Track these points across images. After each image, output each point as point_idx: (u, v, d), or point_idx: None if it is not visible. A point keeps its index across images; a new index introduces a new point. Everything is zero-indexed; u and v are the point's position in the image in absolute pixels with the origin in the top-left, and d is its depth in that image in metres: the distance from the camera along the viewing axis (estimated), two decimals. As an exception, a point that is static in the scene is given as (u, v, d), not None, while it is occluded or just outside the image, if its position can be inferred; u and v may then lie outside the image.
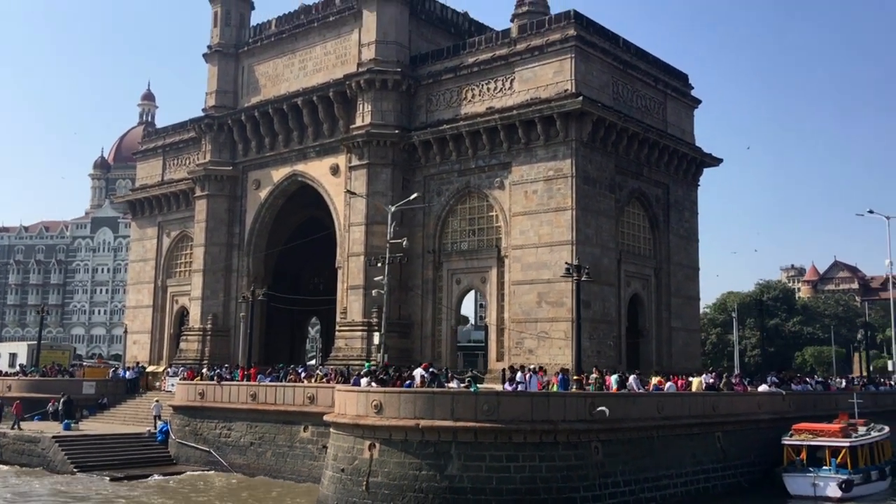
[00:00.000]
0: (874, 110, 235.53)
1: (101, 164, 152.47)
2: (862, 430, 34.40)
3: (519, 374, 28.22)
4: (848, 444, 32.14)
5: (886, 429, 36.81)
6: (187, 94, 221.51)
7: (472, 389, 26.76)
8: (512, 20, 59.73)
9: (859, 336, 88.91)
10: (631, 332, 46.57)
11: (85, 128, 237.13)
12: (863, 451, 32.93)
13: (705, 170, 52.92)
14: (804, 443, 32.80)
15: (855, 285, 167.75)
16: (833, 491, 31.32)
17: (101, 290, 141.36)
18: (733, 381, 36.59)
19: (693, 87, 52.97)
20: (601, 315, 43.06)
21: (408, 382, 27.83)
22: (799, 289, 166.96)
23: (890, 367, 67.98)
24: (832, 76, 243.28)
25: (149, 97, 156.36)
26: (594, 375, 30.57)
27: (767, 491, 32.49)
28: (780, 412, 36.46)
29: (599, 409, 26.96)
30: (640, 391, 30.40)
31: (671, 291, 48.96)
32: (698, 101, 53.10)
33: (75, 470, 36.51)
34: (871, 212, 57.60)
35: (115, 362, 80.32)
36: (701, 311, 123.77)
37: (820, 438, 32.69)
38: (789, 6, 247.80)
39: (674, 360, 48.01)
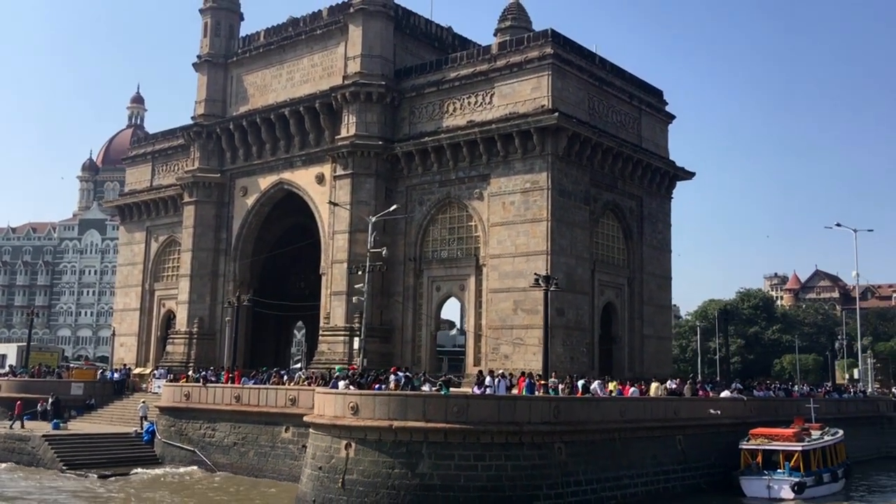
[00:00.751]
0: (857, 118, 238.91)
1: (90, 167, 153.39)
2: (816, 434, 36.24)
3: (488, 379, 29.87)
4: (801, 448, 33.94)
5: (840, 433, 38.67)
6: (176, 98, 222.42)
7: (442, 392, 28.38)
8: (495, 34, 61.71)
9: (837, 344, 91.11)
10: (604, 339, 48.18)
11: (73, 130, 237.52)
12: (815, 455, 34.74)
13: (692, 179, 54.72)
14: (760, 447, 34.57)
15: (836, 294, 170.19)
16: (786, 493, 33.11)
17: (88, 291, 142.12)
18: (696, 387, 38.29)
19: (668, 103, 54.84)
20: (575, 322, 44.68)
21: (378, 386, 29.38)
22: (781, 297, 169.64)
23: (856, 375, 69.98)
24: (813, 84, 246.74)
25: (138, 100, 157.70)
26: (553, 380, 32.21)
27: (725, 493, 34.17)
28: (741, 417, 38.20)
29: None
30: (603, 396, 32.08)
31: (644, 300, 50.63)
32: (672, 117, 54.95)
33: (64, 468, 37.83)
34: (838, 224, 59.68)
35: (102, 364, 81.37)
36: (683, 317, 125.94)
37: (775, 443, 34.47)
38: (770, 17, 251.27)
39: (646, 366, 49.65)
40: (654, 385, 35.02)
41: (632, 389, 33.81)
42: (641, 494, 31.36)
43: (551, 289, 34.98)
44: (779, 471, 33.71)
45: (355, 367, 39.29)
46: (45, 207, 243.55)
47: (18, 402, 45.27)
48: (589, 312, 45.98)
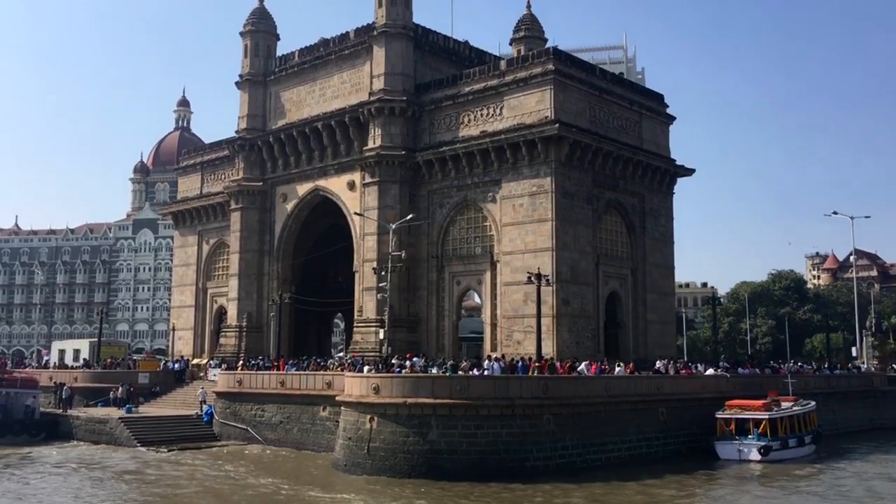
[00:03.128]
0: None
1: (141, 169, 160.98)
2: (786, 405, 41.07)
3: (486, 362, 35.47)
4: (768, 417, 38.86)
5: (812, 403, 43.38)
6: (220, 102, 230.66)
7: (447, 374, 34.07)
8: (511, 43, 67.03)
9: (867, 324, 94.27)
10: (610, 325, 53.08)
11: (123, 134, 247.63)
12: (783, 422, 39.60)
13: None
14: (733, 416, 39.61)
15: (874, 273, 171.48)
16: (754, 455, 38.15)
17: (143, 288, 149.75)
18: (679, 366, 43.32)
19: (668, 106, 59.30)
20: (580, 311, 49.64)
21: (397, 369, 35.20)
22: (819, 276, 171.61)
23: (854, 353, 73.70)
24: (833, 62, 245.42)
25: (184, 103, 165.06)
26: (537, 364, 37.66)
27: (701, 456, 39.23)
28: (724, 392, 43.12)
29: None
30: (589, 374, 37.44)
31: (647, 288, 55.23)
32: (673, 118, 59.34)
33: (138, 444, 44.49)
34: (835, 213, 63.68)
35: (161, 356, 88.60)
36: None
37: (746, 412, 39.44)
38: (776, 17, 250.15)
39: (649, 349, 54.28)
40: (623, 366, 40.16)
41: (618, 369, 39.01)
42: (625, 458, 36.67)
43: (544, 284, 40.24)
44: (749, 436, 38.68)
45: (356, 354, 47.17)
46: (100, 209, 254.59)
47: (132, 389, 52.55)
48: (593, 301, 50.84)
